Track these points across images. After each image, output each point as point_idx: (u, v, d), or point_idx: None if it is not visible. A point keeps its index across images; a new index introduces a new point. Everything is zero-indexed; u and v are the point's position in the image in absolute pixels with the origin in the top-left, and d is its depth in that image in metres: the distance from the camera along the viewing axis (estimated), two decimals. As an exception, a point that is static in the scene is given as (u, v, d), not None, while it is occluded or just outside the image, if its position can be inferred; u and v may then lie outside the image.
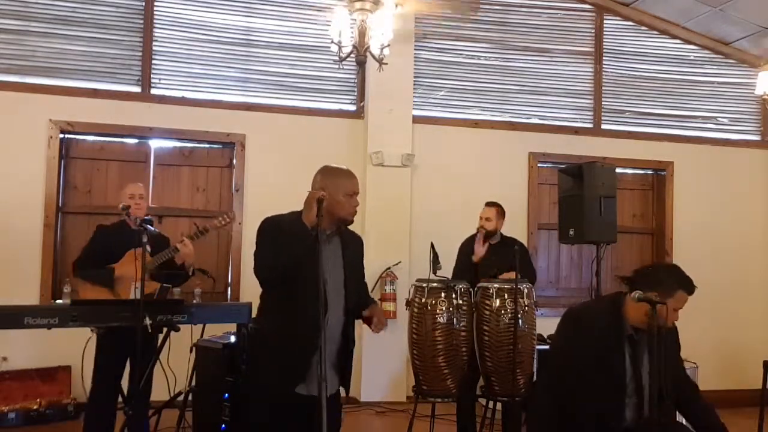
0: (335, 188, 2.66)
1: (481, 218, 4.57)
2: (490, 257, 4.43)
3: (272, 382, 2.64)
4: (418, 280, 4.00)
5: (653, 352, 2.65)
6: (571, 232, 4.73)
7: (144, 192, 4.05)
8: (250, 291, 5.29)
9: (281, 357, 2.62)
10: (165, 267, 3.84)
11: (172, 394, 4.35)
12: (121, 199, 3.96)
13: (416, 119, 5.88)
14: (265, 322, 2.78)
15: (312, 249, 2.49)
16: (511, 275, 3.96)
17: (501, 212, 4.57)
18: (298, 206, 2.65)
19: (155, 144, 5.60)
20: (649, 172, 6.60)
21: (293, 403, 2.61)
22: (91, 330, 3.62)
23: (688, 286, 2.65)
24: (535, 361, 3.96)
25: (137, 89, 5.50)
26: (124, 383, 3.71)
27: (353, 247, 2.84)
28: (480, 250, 4.37)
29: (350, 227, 2.84)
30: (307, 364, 2.57)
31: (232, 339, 3.91)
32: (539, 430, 2.84)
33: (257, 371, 2.77)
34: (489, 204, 4.59)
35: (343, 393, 2.84)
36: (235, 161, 5.65)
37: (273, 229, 2.66)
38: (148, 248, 3.72)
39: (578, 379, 2.68)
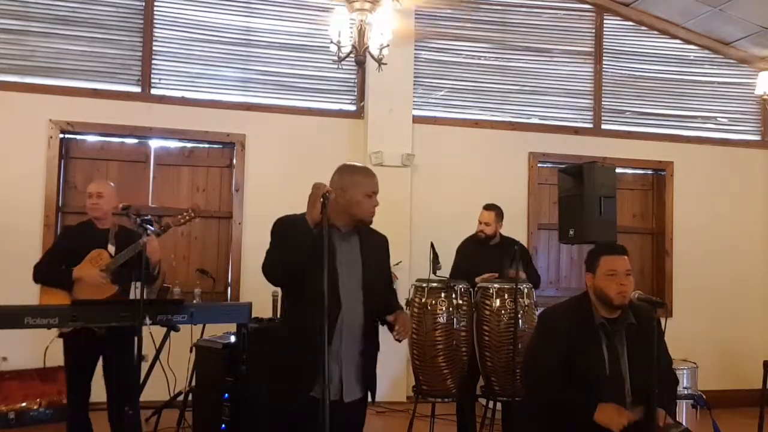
0: (354, 187, 2.56)
1: (480, 222, 4.57)
2: (490, 258, 4.44)
3: (284, 385, 2.55)
4: (418, 280, 4.01)
5: (635, 344, 2.69)
6: (571, 232, 4.73)
7: (104, 190, 3.75)
8: (250, 291, 5.33)
9: (297, 359, 2.51)
10: (135, 264, 3.52)
11: (172, 394, 4.36)
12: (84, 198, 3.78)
13: (416, 119, 5.88)
14: (282, 322, 2.70)
15: (316, 247, 2.41)
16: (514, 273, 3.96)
17: (499, 215, 4.57)
18: (298, 206, 2.63)
19: (155, 144, 5.60)
20: (649, 172, 6.59)
21: (311, 406, 2.42)
22: (59, 335, 3.56)
23: (608, 249, 2.82)
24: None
25: (137, 89, 5.50)
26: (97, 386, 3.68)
27: (374, 247, 2.69)
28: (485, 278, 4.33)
29: (374, 226, 2.70)
30: (318, 366, 2.39)
31: (232, 339, 3.90)
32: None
33: (274, 373, 2.64)
34: (487, 207, 4.58)
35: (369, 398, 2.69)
36: (235, 161, 5.65)
37: (281, 229, 2.57)
38: (111, 248, 3.64)
39: (560, 375, 2.69)
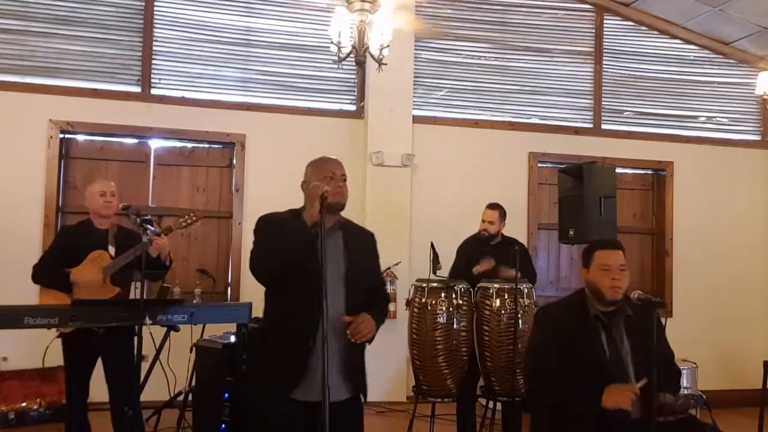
0: (315, 176, 2.54)
1: (483, 221, 4.56)
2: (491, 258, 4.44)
3: (268, 386, 2.49)
4: (418, 280, 4.01)
5: (635, 336, 2.71)
6: (571, 232, 4.73)
7: (115, 190, 3.77)
8: (250, 291, 5.30)
9: (276, 360, 2.48)
10: (137, 265, 3.52)
11: (172, 394, 4.36)
12: (89, 198, 3.73)
13: (416, 119, 5.88)
14: (265, 322, 2.66)
15: (310, 246, 2.39)
16: (512, 273, 3.96)
17: (503, 214, 4.57)
18: (298, 206, 2.63)
19: (155, 144, 5.60)
20: (649, 172, 6.60)
21: (291, 409, 2.43)
22: (58, 335, 3.55)
23: (602, 244, 2.87)
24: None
25: (137, 89, 5.50)
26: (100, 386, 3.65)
27: (359, 243, 2.64)
28: (484, 267, 4.32)
29: (375, 226, 2.68)
30: (303, 367, 2.41)
31: (232, 339, 3.91)
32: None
33: (254, 375, 2.62)
34: (491, 206, 4.57)
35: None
36: (235, 161, 5.65)
37: (268, 227, 2.55)
38: (112, 249, 3.62)
39: (563, 369, 2.68)
